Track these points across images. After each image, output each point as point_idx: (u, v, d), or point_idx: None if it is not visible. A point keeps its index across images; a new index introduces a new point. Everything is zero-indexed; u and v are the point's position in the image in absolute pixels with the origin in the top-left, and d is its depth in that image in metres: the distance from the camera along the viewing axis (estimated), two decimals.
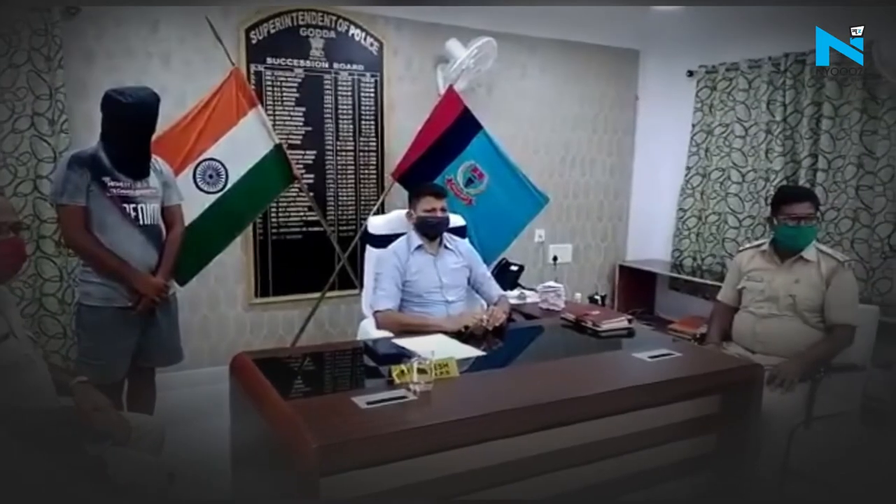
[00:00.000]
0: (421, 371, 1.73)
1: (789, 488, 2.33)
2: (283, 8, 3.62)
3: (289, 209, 3.78)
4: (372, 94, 3.92)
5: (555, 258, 4.65)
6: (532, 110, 4.48)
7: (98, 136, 2.46)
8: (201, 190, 3.01)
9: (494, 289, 3.00)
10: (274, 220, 3.75)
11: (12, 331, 1.73)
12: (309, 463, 1.42)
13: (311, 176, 3.79)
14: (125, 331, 2.45)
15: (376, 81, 3.92)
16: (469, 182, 3.67)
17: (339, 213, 3.92)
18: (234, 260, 3.67)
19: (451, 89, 3.62)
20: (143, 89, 2.42)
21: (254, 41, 3.57)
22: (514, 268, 3.88)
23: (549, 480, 1.84)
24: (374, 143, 3.96)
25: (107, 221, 2.38)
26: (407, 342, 2.29)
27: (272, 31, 3.61)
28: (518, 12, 4.16)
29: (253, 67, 3.57)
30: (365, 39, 3.85)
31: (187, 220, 2.75)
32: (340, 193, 3.91)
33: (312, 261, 3.82)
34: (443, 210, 2.87)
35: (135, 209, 2.43)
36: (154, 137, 2.54)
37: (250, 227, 3.61)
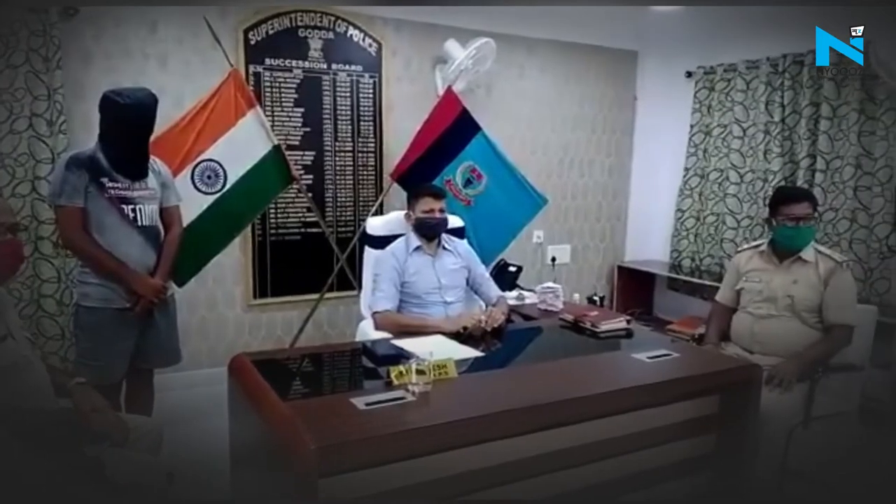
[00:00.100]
0: (419, 372, 1.73)
1: (788, 488, 2.33)
2: (282, 9, 3.62)
3: (287, 210, 3.78)
4: (370, 95, 3.91)
5: (553, 259, 4.65)
6: (530, 111, 4.48)
7: (96, 137, 2.45)
8: (200, 191, 3.01)
9: (493, 290, 3.00)
10: (272, 221, 3.75)
11: (10, 332, 1.73)
12: (307, 464, 1.42)
13: (310, 177, 3.79)
14: (123, 332, 2.45)
15: (375, 82, 3.92)
16: (468, 183, 3.67)
17: (338, 213, 3.92)
18: (233, 261, 3.66)
19: (449, 90, 3.62)
20: (141, 90, 2.42)
21: (252, 42, 3.57)
22: (512, 268, 3.88)
23: (549, 481, 1.84)
24: (372, 144, 3.96)
25: (105, 222, 2.37)
26: (405, 343, 2.29)
27: (271, 32, 3.61)
28: (517, 13, 4.17)
29: (251, 68, 3.57)
30: (363, 40, 3.85)
31: (186, 221, 2.75)
32: (339, 194, 3.91)
33: (311, 262, 3.81)
34: (441, 211, 2.87)
35: (133, 210, 2.42)
36: (152, 138, 2.53)
37: (249, 228, 3.61)
